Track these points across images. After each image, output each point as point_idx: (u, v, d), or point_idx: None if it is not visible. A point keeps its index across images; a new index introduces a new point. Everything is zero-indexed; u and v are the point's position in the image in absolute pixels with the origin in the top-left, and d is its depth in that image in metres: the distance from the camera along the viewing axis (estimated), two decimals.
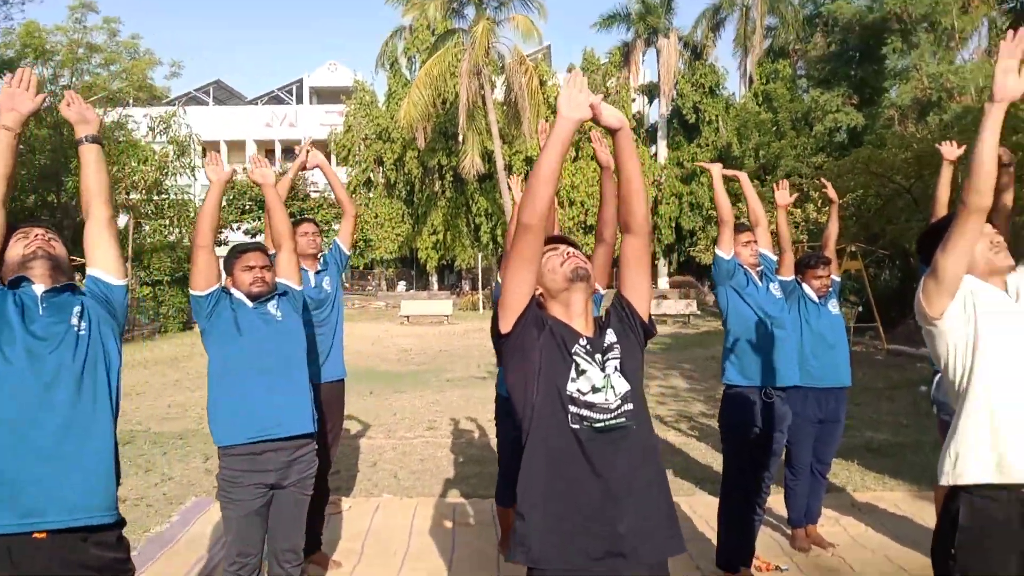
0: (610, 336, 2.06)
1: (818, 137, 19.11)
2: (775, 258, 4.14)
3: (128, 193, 19.00)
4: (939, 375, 3.22)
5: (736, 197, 26.11)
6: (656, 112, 37.04)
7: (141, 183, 19.23)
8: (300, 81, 47.89)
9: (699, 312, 25.20)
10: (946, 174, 4.19)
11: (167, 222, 20.36)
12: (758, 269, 4.04)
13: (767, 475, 3.96)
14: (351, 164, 34.84)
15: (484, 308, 30.46)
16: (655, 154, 35.62)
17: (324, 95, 46.70)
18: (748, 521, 3.95)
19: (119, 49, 21.38)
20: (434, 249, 33.63)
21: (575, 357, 1.98)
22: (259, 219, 34.88)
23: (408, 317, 25.21)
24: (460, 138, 28.69)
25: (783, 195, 4.43)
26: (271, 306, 3.17)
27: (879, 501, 5.46)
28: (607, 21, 34.36)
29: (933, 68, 14.21)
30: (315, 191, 36.57)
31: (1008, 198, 4.50)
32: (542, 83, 34.02)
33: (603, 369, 1.99)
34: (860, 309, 15.71)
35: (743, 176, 4.28)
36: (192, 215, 19.80)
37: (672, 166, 34.34)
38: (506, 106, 27.90)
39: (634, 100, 38.22)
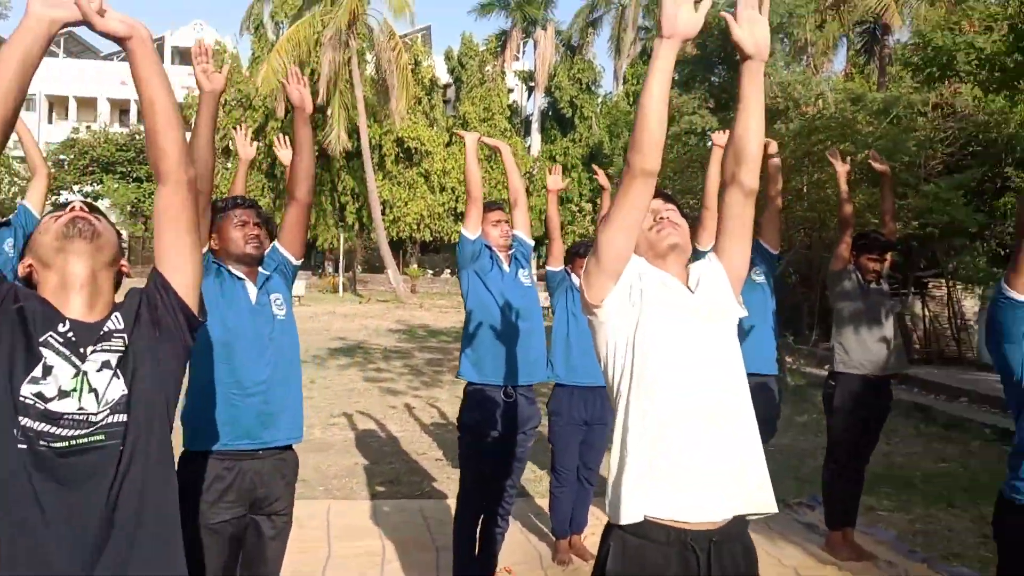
0: (114, 322, 1.48)
1: (674, 138, 19.61)
2: (531, 242, 3.73)
3: None
4: None
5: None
6: (533, 104, 36.93)
7: None
8: (162, 39, 44.88)
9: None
10: (714, 161, 3.93)
11: None
12: (509, 253, 3.60)
13: (508, 482, 3.53)
14: None
15: (344, 291, 29.46)
16: (529, 146, 35.50)
17: (188, 56, 43.96)
18: (489, 533, 3.52)
19: None
20: None
21: (44, 348, 1.39)
22: (101, 182, 32.36)
23: None
24: (328, 112, 27.48)
25: (555, 180, 4.13)
26: None
27: None
28: (485, 8, 33.90)
29: (783, 76, 14.48)
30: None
31: (774, 189, 4.31)
32: (417, 63, 33.20)
33: (81, 364, 1.41)
34: None
35: (504, 147, 3.87)
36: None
37: (545, 159, 34.31)
38: (376, 83, 26.93)
39: (511, 91, 38.02)
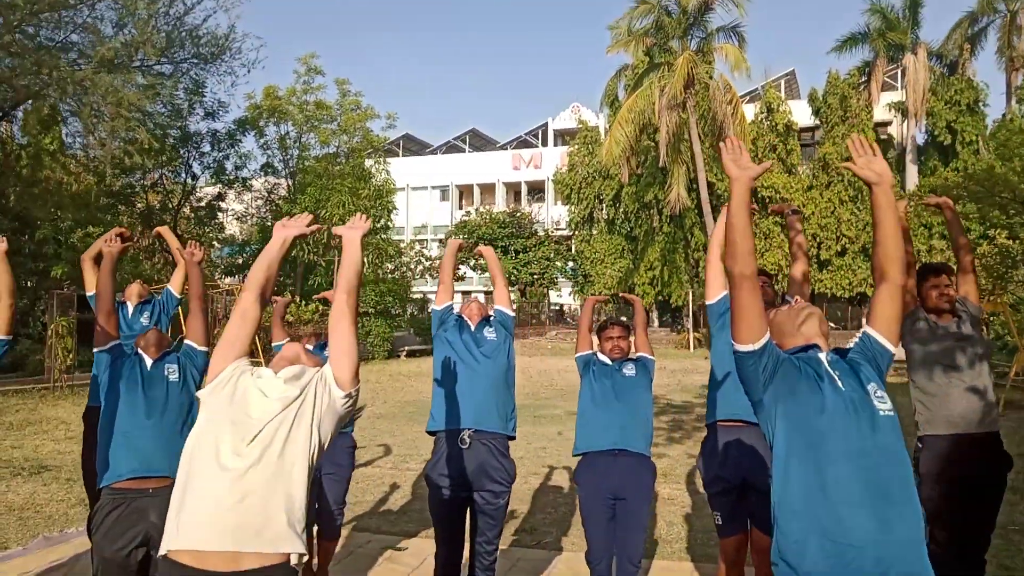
0: None
1: None
2: (511, 313, 3.99)
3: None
4: None
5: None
6: (906, 135, 33.37)
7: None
8: (545, 125, 50.15)
9: None
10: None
11: (368, 259, 22.50)
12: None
13: (482, 539, 3.70)
14: (572, 202, 35.70)
15: (694, 347, 29.29)
16: (902, 182, 32.04)
17: (567, 138, 48.48)
18: None
19: (346, 106, 24.19)
20: (650, 285, 33.13)
21: None
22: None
23: None
24: (669, 173, 28.25)
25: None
26: None
27: None
28: (845, 44, 31.79)
29: None
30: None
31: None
32: (770, 110, 32.34)
33: None
34: None
35: (486, 250, 4.25)
36: (390, 254, 21.86)
37: (925, 193, 30.65)
38: (714, 137, 26.97)
39: (887, 124, 34.84)
